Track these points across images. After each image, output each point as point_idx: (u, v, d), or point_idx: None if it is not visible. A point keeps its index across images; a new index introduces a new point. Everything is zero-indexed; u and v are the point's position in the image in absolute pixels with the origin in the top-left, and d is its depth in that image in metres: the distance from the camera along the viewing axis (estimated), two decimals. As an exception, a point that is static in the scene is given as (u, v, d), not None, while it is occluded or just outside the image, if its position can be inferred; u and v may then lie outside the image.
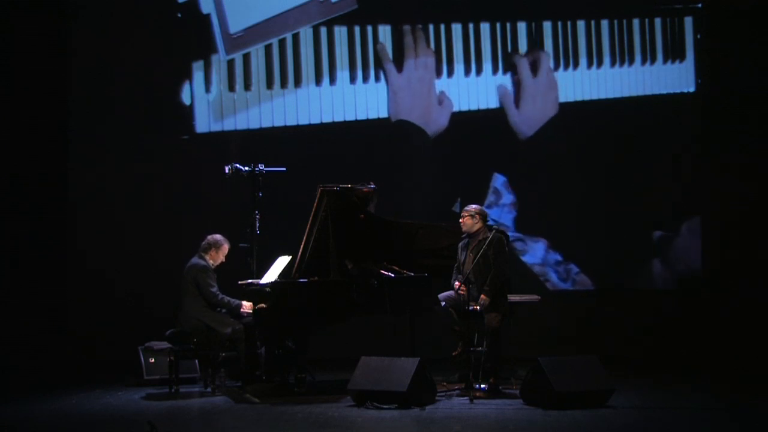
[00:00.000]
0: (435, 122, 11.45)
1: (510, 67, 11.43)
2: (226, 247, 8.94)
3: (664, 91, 11.44)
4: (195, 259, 8.84)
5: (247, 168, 9.25)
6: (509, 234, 10.12)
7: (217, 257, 8.91)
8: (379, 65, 11.43)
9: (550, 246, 11.30)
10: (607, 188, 11.38)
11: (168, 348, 8.79)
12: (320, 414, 7.51)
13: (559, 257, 11.30)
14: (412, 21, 11.42)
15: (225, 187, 10.20)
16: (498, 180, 11.39)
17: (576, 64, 11.46)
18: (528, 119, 11.41)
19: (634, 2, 11.52)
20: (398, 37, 11.44)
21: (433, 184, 11.40)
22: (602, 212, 11.34)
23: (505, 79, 11.46)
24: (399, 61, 11.42)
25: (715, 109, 11.22)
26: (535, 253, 11.32)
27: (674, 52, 11.44)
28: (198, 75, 11.44)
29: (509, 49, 11.47)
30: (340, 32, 11.45)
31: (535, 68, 11.41)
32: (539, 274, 11.26)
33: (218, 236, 8.94)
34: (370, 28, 11.45)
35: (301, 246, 8.73)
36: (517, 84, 11.42)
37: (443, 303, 8.55)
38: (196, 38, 11.42)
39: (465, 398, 7.98)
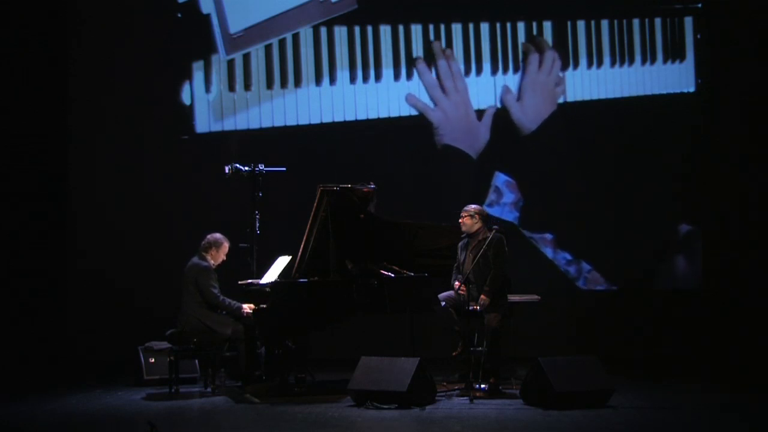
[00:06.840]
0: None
1: (513, 64, 11.43)
2: (226, 246, 8.93)
3: (664, 91, 11.44)
4: (195, 259, 8.81)
5: (247, 168, 9.23)
6: (514, 229, 10.09)
7: (218, 256, 8.89)
8: (378, 65, 11.44)
9: (557, 246, 11.29)
10: (607, 188, 11.38)
11: (168, 348, 8.78)
12: (320, 414, 7.50)
13: (568, 256, 11.30)
14: (412, 20, 11.43)
15: (225, 187, 10.19)
16: (499, 179, 11.39)
17: (576, 64, 11.46)
18: (530, 113, 11.40)
19: (634, 2, 11.52)
20: (397, 37, 11.44)
21: (433, 184, 11.39)
22: (602, 211, 11.34)
23: (506, 79, 11.45)
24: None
25: (715, 110, 11.22)
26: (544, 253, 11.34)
27: (674, 52, 11.44)
28: (198, 75, 11.45)
29: (509, 49, 11.47)
30: (340, 32, 11.45)
31: (541, 63, 11.41)
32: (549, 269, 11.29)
33: (218, 235, 8.93)
34: (370, 28, 11.45)
35: (301, 246, 8.72)
36: (521, 76, 11.42)
37: (443, 303, 8.54)
38: (196, 38, 11.42)
39: (465, 398, 7.97)
